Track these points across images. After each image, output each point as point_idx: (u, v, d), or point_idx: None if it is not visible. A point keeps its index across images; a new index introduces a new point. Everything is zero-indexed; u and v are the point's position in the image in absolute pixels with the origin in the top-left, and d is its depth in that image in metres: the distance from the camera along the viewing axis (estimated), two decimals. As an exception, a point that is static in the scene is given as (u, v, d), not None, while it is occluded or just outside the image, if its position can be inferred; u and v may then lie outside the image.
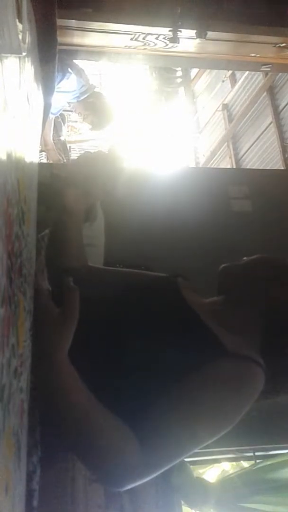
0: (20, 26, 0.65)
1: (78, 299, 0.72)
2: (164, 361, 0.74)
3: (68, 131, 4.79)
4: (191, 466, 1.68)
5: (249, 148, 4.95)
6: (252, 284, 0.90)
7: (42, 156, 3.29)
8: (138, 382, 0.73)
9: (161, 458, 0.69)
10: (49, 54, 1.54)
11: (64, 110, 3.30)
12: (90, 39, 2.00)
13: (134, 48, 2.06)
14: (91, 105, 2.83)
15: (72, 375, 0.68)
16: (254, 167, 4.74)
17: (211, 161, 5.68)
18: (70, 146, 4.91)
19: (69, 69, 2.49)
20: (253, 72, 4.71)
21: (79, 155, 1.01)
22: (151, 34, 1.96)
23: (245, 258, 0.97)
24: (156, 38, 1.98)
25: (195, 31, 1.92)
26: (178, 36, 1.94)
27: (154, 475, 0.68)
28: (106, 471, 0.66)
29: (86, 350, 0.76)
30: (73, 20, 1.86)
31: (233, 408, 0.75)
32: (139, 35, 1.96)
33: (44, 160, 3.26)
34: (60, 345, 0.68)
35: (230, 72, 5.34)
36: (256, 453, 1.79)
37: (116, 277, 0.95)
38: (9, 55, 0.53)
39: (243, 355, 0.77)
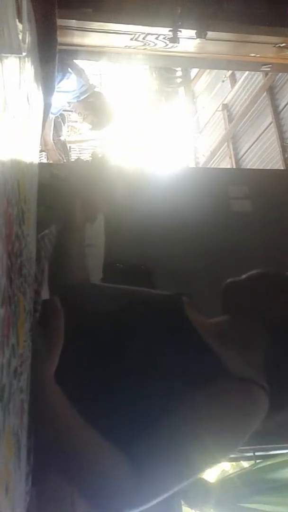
0: (20, 26, 0.65)
1: (62, 321, 0.70)
2: (163, 383, 0.72)
3: (68, 131, 4.79)
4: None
5: (249, 148, 4.95)
6: (253, 300, 0.88)
7: (42, 156, 3.29)
8: (135, 403, 0.71)
9: (157, 483, 0.66)
10: (49, 54, 1.54)
11: (64, 110, 3.30)
12: (90, 39, 2.00)
13: (134, 48, 2.06)
14: (91, 105, 2.83)
15: (58, 396, 0.66)
16: (254, 167, 4.74)
17: (211, 161, 5.68)
18: (70, 146, 4.91)
19: (69, 69, 2.49)
20: (253, 72, 4.71)
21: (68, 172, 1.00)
22: (151, 34, 1.96)
23: (244, 275, 0.95)
24: (156, 38, 1.98)
25: (195, 31, 1.92)
26: (178, 36, 1.94)
27: (152, 502, 0.65)
28: (91, 494, 0.64)
29: (84, 368, 0.74)
30: (73, 20, 1.86)
31: (235, 433, 0.73)
32: (139, 35, 1.96)
33: (44, 160, 3.26)
34: (44, 369, 0.67)
35: (230, 72, 5.34)
36: (256, 453, 1.80)
37: (118, 294, 0.93)
38: (9, 55, 0.53)
39: (245, 378, 0.75)
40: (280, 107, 4.51)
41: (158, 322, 0.82)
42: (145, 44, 2.02)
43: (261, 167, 4.61)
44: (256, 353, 0.83)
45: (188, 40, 1.99)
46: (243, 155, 5.06)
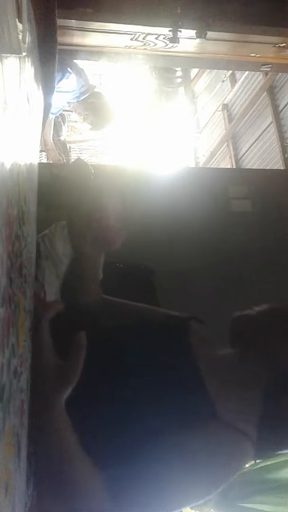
0: (20, 26, 0.65)
1: (82, 359, 0.70)
2: (155, 413, 0.71)
3: (68, 131, 4.79)
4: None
5: (249, 148, 4.95)
6: (261, 341, 0.84)
7: (42, 156, 3.29)
8: (121, 429, 0.71)
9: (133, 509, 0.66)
10: (49, 54, 1.53)
11: (64, 110, 3.31)
12: (90, 39, 2.00)
13: (134, 48, 2.06)
14: (91, 105, 2.83)
15: (65, 424, 0.66)
16: (254, 167, 4.74)
17: (211, 161, 5.68)
18: (70, 146, 4.92)
19: (69, 69, 2.49)
20: (253, 72, 4.71)
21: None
22: (151, 34, 1.96)
23: (255, 309, 0.88)
24: (156, 38, 1.98)
25: (195, 31, 1.92)
26: (178, 36, 1.93)
27: None
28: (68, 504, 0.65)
29: (83, 385, 0.74)
30: (73, 20, 1.86)
31: (213, 477, 0.72)
32: (139, 35, 1.96)
33: (44, 160, 3.27)
34: (57, 399, 0.66)
35: (230, 72, 5.34)
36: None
37: (128, 312, 0.92)
38: (9, 55, 0.53)
39: (235, 427, 0.73)
40: (280, 107, 4.51)
41: (160, 350, 0.80)
42: (145, 44, 2.02)
43: (261, 167, 4.61)
44: (254, 394, 0.80)
45: (188, 40, 1.98)
46: (243, 155, 5.06)
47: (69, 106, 2.98)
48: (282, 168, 4.28)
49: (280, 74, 4.34)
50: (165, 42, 2.00)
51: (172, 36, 1.93)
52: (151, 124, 6.12)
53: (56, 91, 2.03)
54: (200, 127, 6.27)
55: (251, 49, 2.15)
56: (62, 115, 3.40)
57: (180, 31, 1.92)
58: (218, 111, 5.69)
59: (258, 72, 4.54)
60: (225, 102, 5.55)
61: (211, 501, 1.63)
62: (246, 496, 1.66)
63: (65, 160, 3.24)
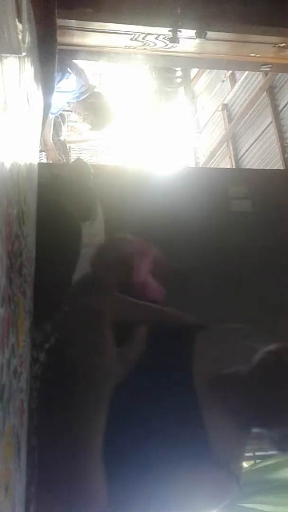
0: (20, 26, 0.65)
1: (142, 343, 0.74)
2: (149, 432, 0.72)
3: (68, 131, 4.79)
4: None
5: (248, 148, 4.95)
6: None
7: (42, 156, 3.29)
8: (119, 439, 0.72)
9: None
10: (49, 54, 1.53)
11: (64, 110, 3.31)
12: (90, 39, 2.00)
13: (134, 48, 2.06)
14: (91, 105, 2.83)
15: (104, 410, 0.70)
16: (254, 167, 4.74)
17: (211, 161, 5.68)
18: (70, 146, 4.92)
19: (69, 69, 2.49)
20: (252, 72, 4.71)
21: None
22: (151, 34, 1.96)
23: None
24: (156, 38, 1.98)
25: (195, 31, 1.92)
26: (178, 36, 1.93)
27: None
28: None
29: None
30: (73, 20, 1.86)
31: (197, 505, 0.73)
32: (139, 35, 1.96)
33: (44, 160, 3.26)
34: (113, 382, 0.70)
35: (230, 72, 5.34)
36: (256, 453, 1.79)
37: (131, 310, 0.94)
38: (9, 55, 0.53)
39: (223, 466, 0.72)
40: (280, 107, 4.51)
41: (163, 355, 0.81)
42: (145, 44, 2.02)
43: (261, 167, 4.61)
44: (244, 432, 0.78)
45: (188, 40, 1.98)
46: (243, 155, 5.05)
47: (69, 106, 2.98)
48: (282, 168, 4.28)
49: (280, 74, 4.33)
50: (165, 42, 1.99)
51: (172, 36, 1.93)
52: (151, 124, 6.12)
53: (56, 91, 2.03)
54: (200, 127, 6.27)
55: (251, 49, 2.15)
56: (62, 115, 3.40)
57: (180, 31, 1.92)
58: (218, 111, 5.68)
59: (258, 72, 4.54)
60: (225, 102, 5.54)
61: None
62: (246, 496, 1.66)
63: (65, 160, 3.24)
